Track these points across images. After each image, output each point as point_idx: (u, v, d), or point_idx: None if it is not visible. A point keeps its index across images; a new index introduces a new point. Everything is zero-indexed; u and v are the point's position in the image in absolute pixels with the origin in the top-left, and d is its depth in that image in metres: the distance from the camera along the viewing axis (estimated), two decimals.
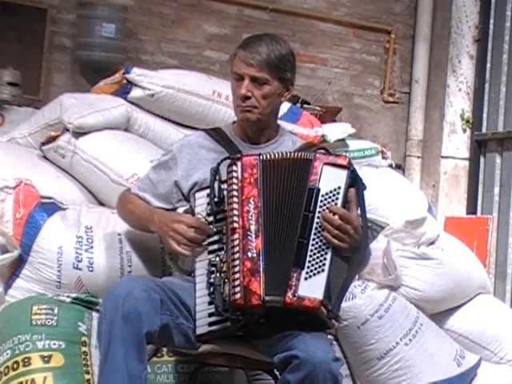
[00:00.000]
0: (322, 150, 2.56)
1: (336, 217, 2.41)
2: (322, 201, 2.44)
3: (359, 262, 2.56)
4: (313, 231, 2.42)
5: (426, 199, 3.73)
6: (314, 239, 2.41)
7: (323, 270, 2.39)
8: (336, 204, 2.43)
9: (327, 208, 2.42)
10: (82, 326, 2.80)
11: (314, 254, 2.40)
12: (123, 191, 2.89)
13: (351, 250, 2.45)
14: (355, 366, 3.22)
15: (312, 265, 2.40)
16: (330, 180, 2.45)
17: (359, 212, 2.49)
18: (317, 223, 2.42)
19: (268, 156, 2.51)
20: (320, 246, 2.41)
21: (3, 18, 4.96)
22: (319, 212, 2.43)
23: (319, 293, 2.37)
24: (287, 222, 2.45)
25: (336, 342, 3.11)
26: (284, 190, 2.47)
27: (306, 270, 2.39)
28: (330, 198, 2.44)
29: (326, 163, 2.46)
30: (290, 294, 2.37)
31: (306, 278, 2.38)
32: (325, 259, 2.40)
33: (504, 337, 3.52)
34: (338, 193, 2.44)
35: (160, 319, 2.39)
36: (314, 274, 2.39)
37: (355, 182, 2.49)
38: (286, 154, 2.52)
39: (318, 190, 2.44)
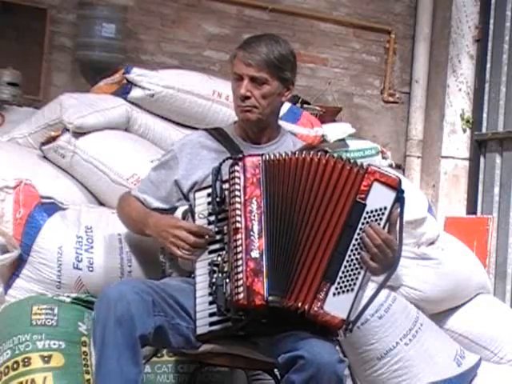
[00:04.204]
0: (374, 164, 2.46)
1: (378, 237, 2.36)
2: (365, 217, 2.37)
3: (384, 283, 2.51)
4: (350, 247, 2.36)
5: (426, 199, 3.72)
6: (349, 255, 2.36)
7: (352, 290, 2.35)
8: (379, 224, 2.37)
9: (371, 226, 2.36)
10: (82, 325, 2.80)
11: (347, 271, 2.36)
12: (123, 193, 2.88)
13: (382, 273, 2.43)
14: (355, 366, 3.22)
15: (343, 281, 2.35)
16: (377, 198, 2.37)
17: (398, 235, 2.43)
18: (355, 239, 2.36)
19: (270, 156, 2.48)
20: (354, 264, 2.36)
21: (3, 18, 4.95)
22: (360, 229, 2.36)
23: (344, 313, 2.34)
24: (296, 222, 2.39)
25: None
26: (293, 191, 2.41)
27: (335, 285, 2.34)
28: (373, 216, 2.37)
29: (377, 180, 2.38)
30: (315, 307, 2.34)
31: (334, 294, 2.34)
32: (356, 278, 2.36)
33: (504, 337, 3.52)
34: (383, 213, 2.37)
35: (153, 321, 2.37)
36: (344, 292, 2.35)
37: (400, 205, 2.42)
38: (287, 154, 2.48)
39: (365, 205, 2.36)
